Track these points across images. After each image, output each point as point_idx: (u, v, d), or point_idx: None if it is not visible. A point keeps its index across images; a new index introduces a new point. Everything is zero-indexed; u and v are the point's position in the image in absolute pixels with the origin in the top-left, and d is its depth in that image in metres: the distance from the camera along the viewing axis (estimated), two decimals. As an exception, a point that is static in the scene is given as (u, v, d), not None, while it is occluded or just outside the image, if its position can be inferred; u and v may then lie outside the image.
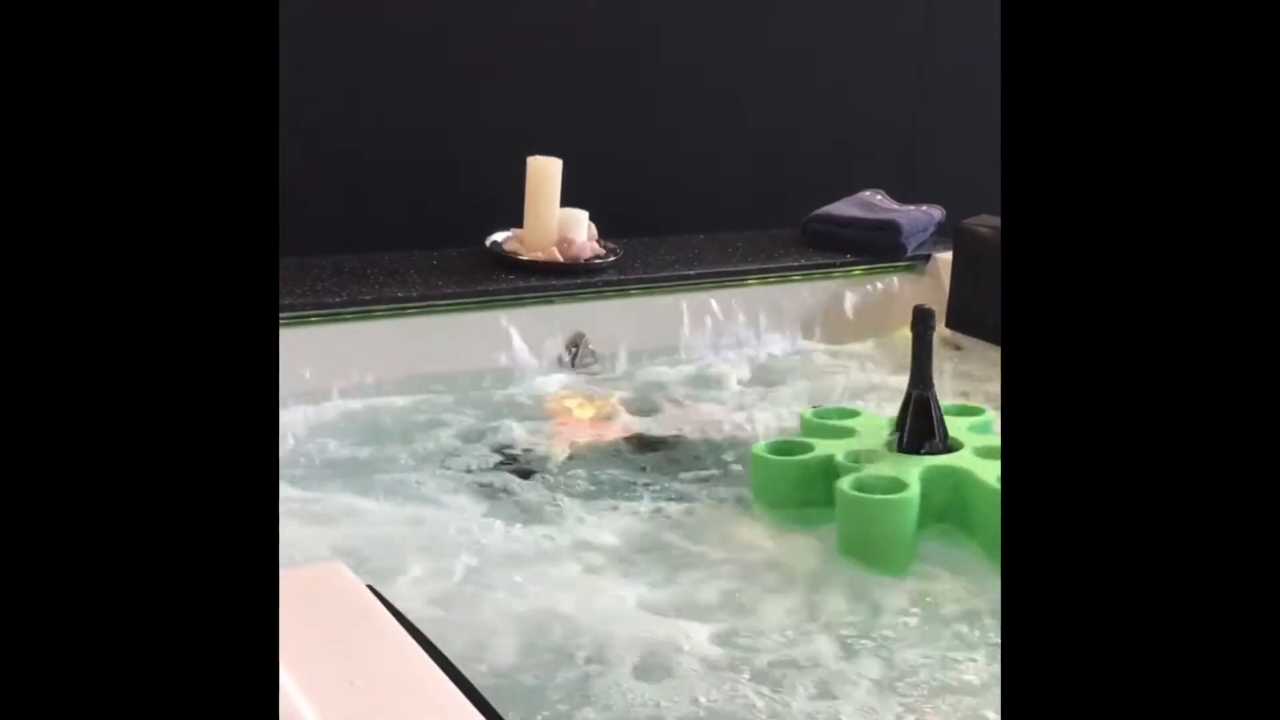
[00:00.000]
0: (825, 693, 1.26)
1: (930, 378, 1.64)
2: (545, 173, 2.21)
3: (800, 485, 1.61)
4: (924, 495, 1.52)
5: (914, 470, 1.55)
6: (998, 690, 1.14)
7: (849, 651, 1.33)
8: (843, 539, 1.52)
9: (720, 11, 2.73)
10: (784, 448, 1.67)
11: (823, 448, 1.64)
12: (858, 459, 1.59)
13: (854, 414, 1.77)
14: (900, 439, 1.63)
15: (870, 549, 1.51)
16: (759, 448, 1.66)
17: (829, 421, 1.74)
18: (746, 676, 1.27)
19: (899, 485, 1.52)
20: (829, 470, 1.59)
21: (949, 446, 1.63)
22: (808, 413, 1.79)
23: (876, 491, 1.52)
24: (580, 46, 2.59)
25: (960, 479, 1.56)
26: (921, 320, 1.65)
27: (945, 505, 1.56)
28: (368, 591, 1.13)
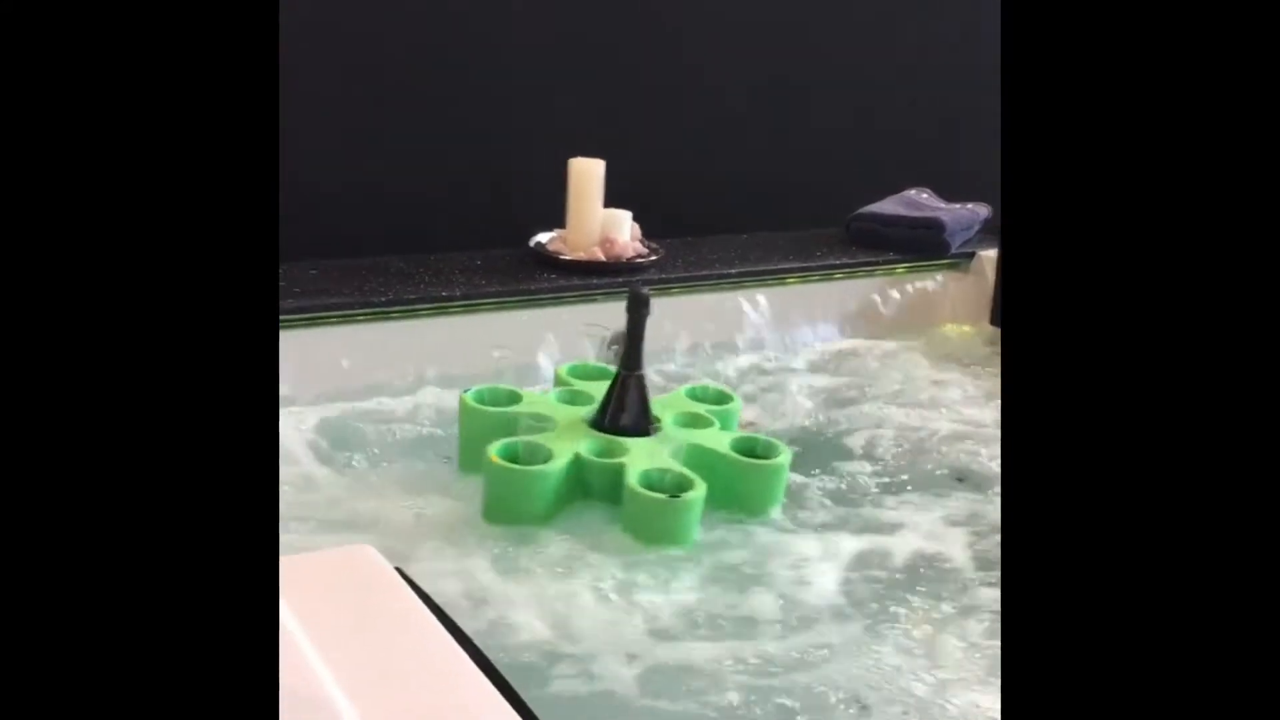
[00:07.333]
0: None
1: (640, 360, 1.67)
2: (587, 174, 2.24)
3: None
4: (572, 468, 1.60)
5: (578, 444, 1.62)
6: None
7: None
8: (487, 502, 1.60)
9: (768, 10, 2.74)
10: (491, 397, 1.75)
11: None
12: (541, 425, 1.67)
13: (609, 374, 1.80)
14: (601, 417, 1.68)
15: (509, 512, 1.58)
16: (468, 395, 1.72)
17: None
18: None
19: (548, 456, 1.60)
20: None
21: (647, 429, 1.67)
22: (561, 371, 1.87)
23: (530, 461, 1.59)
24: (626, 48, 2.61)
25: (613, 458, 1.62)
26: (636, 303, 1.66)
27: (605, 483, 1.62)
28: (395, 574, 1.17)
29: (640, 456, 1.63)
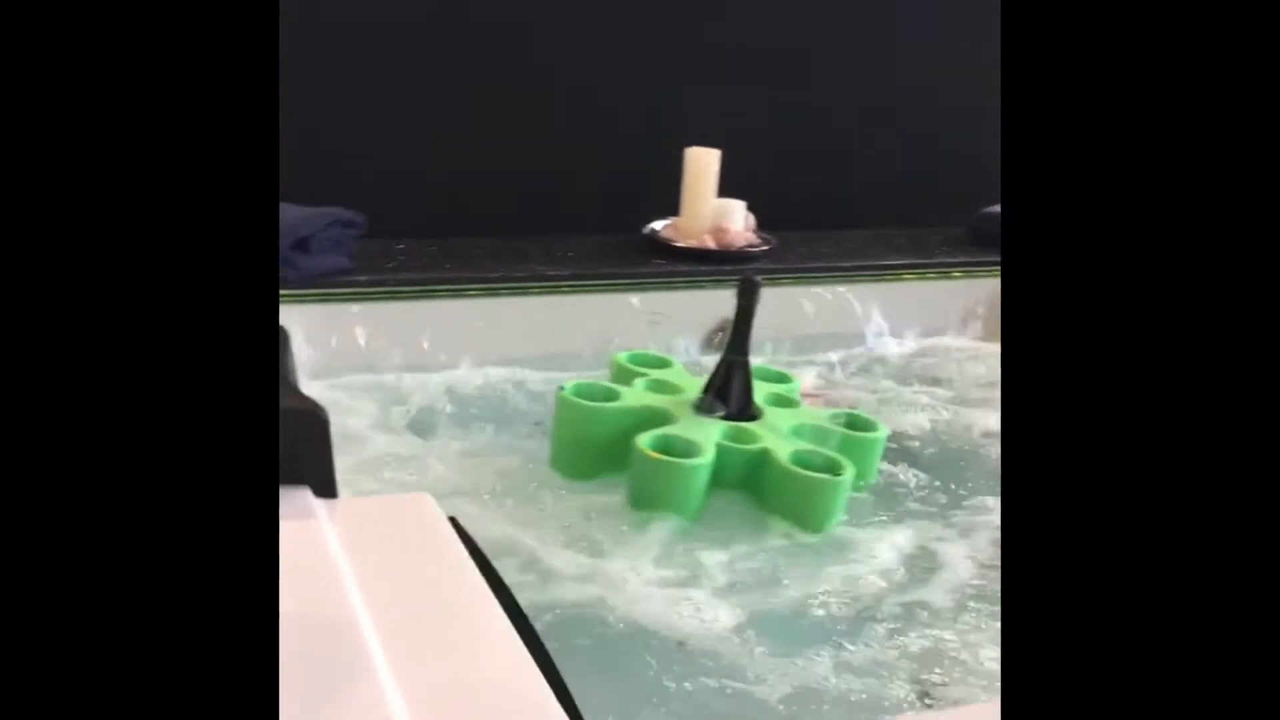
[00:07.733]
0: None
1: (746, 346, 1.65)
2: (702, 163, 2.27)
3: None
4: (717, 460, 1.56)
5: (710, 433, 1.60)
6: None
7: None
8: (635, 493, 1.58)
9: (892, 5, 2.71)
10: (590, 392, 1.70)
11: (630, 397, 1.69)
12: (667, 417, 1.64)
13: (668, 363, 1.81)
14: (705, 402, 1.66)
15: (662, 505, 1.55)
16: (567, 390, 1.68)
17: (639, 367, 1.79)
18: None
19: (694, 449, 1.56)
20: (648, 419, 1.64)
21: (751, 414, 1.66)
22: (621, 356, 1.83)
23: (682, 453, 1.55)
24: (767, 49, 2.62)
25: (752, 444, 1.60)
26: (746, 289, 1.64)
27: (740, 470, 1.60)
28: (448, 523, 1.22)
29: (773, 440, 1.60)
